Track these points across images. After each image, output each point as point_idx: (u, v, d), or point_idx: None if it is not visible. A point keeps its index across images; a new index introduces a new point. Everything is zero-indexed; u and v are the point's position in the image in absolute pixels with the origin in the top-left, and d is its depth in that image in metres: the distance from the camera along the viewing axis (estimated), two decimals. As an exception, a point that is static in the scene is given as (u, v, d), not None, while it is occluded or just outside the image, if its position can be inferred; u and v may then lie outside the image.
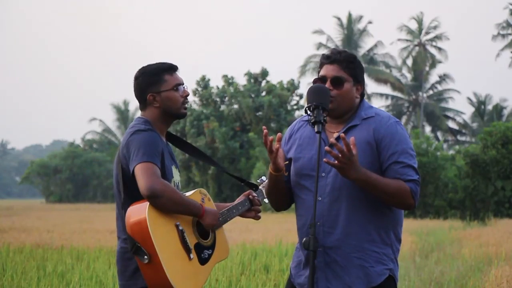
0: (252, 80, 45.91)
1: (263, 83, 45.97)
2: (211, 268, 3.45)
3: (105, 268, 8.50)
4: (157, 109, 3.49)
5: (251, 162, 41.29)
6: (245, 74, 46.27)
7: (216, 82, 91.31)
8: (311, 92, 3.16)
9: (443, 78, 51.53)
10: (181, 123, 43.56)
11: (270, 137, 3.20)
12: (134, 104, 65.07)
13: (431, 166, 29.03)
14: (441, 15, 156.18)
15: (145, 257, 3.16)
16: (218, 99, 45.51)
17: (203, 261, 3.40)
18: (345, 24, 50.41)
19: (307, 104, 3.16)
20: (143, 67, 3.54)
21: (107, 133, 66.14)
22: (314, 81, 3.31)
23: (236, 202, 3.71)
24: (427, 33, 49.97)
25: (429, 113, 50.95)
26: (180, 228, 3.30)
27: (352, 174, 3.09)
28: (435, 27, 49.93)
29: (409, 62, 50.81)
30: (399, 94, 51.82)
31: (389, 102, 52.08)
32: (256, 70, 55.67)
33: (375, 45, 50.10)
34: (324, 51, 46.67)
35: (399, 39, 50.22)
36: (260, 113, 43.97)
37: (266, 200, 3.84)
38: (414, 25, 50.49)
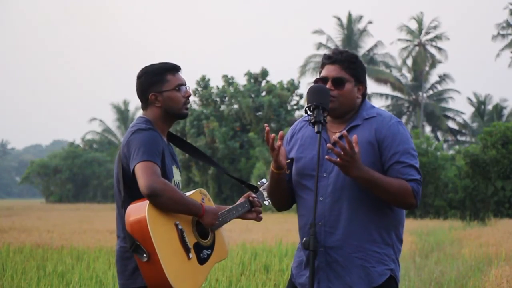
0: (252, 80, 45.91)
1: (263, 83, 45.98)
2: (210, 268, 3.46)
3: (105, 268, 8.50)
4: (159, 108, 3.50)
5: (251, 162, 41.30)
6: (245, 74, 46.27)
7: (216, 82, 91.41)
8: (311, 92, 3.16)
9: (443, 78, 51.53)
10: (181, 123, 43.55)
11: (272, 135, 3.20)
12: (134, 104, 65.15)
13: (431, 166, 29.03)
14: (441, 15, 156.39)
15: (144, 255, 3.17)
16: (218, 99, 45.51)
17: (202, 261, 3.40)
18: (345, 24, 50.41)
19: (307, 104, 3.16)
20: (146, 67, 3.55)
21: (107, 133, 66.13)
22: (315, 81, 3.31)
23: (236, 204, 3.72)
24: (427, 33, 49.97)
25: (429, 113, 50.95)
26: (180, 227, 3.30)
27: (354, 172, 3.09)
28: (435, 27, 49.94)
29: (409, 62, 50.82)
30: (399, 94, 51.82)
31: (389, 102, 52.09)
32: (256, 70, 55.73)
33: (375, 45, 50.11)
34: (324, 51, 46.80)
35: (399, 39, 50.24)
36: (260, 113, 43.97)
37: (266, 202, 3.84)
38: (414, 25, 50.52)
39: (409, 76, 51.91)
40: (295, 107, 45.25)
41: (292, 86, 45.28)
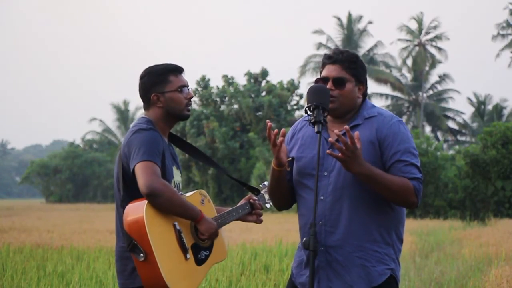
0: (252, 80, 45.91)
1: (263, 83, 45.97)
2: (207, 269, 3.46)
3: (105, 268, 8.50)
4: (160, 109, 3.50)
5: (251, 162, 41.29)
6: (245, 74, 46.27)
7: (216, 82, 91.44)
8: (311, 92, 3.16)
9: (443, 78, 51.52)
10: (181, 123, 43.52)
11: (275, 130, 3.20)
12: (134, 104, 65.14)
13: (431, 166, 29.03)
14: (441, 15, 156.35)
15: (141, 255, 3.17)
16: (218, 99, 45.51)
17: (199, 261, 3.40)
18: (345, 24, 50.40)
19: (307, 104, 3.16)
20: (149, 67, 3.55)
21: (107, 133, 66.11)
22: (316, 81, 3.31)
23: (236, 206, 3.71)
24: (427, 33, 49.96)
25: (429, 113, 50.95)
26: (178, 228, 3.30)
27: (355, 168, 3.09)
28: (435, 27, 49.93)
29: (409, 62, 50.80)
30: (399, 94, 51.81)
31: (389, 102, 52.08)
32: (256, 70, 55.71)
33: (375, 45, 50.09)
34: (324, 51, 46.80)
35: (399, 39, 50.22)
36: (260, 113, 43.97)
37: (267, 205, 3.84)
38: (414, 25, 50.50)
39: (409, 76, 51.91)
40: (295, 107, 45.24)
41: (292, 86, 45.27)
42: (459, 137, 53.56)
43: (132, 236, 3.20)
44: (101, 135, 66.86)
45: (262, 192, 3.86)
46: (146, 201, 3.22)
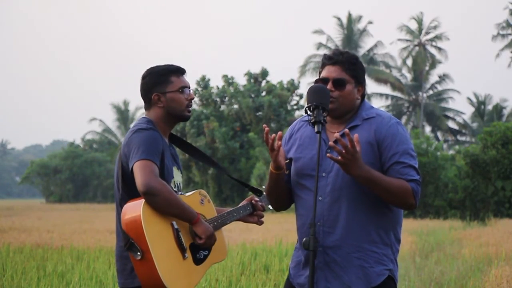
0: (252, 80, 45.89)
1: (263, 83, 45.95)
2: (206, 269, 3.46)
3: (105, 268, 8.50)
4: (161, 109, 3.51)
5: (251, 162, 41.28)
6: (245, 74, 46.25)
7: (216, 82, 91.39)
8: (311, 92, 3.16)
9: (443, 78, 51.51)
10: (181, 123, 43.52)
11: (272, 135, 3.20)
12: (134, 104, 65.18)
13: (431, 166, 29.02)
14: (441, 15, 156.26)
15: (138, 253, 3.18)
16: (218, 99, 45.49)
17: (198, 261, 3.40)
18: (345, 24, 50.39)
19: (307, 104, 3.17)
20: (151, 67, 3.57)
21: (107, 133, 66.09)
22: (316, 82, 3.31)
23: (238, 206, 3.71)
24: (427, 33, 49.96)
25: (429, 113, 50.95)
26: (176, 227, 3.31)
27: (355, 171, 3.10)
28: (435, 27, 49.92)
29: (409, 62, 50.79)
30: (399, 94, 51.80)
31: (389, 102, 52.08)
32: (256, 70, 55.68)
33: (375, 45, 50.08)
34: (324, 51, 46.81)
35: (399, 39, 50.21)
36: (260, 113, 43.95)
37: (270, 206, 3.84)
38: (414, 25, 50.49)
39: (409, 76, 51.90)
40: (295, 107, 45.22)
41: (292, 86, 45.25)
42: (459, 137, 53.55)
43: (129, 235, 3.21)
44: (101, 135, 66.84)
45: (264, 193, 3.86)
46: (143, 200, 3.23)
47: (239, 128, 44.19)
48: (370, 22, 50.24)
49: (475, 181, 28.01)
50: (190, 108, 3.57)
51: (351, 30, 50.03)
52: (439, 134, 52.51)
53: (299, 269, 3.34)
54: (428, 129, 52.11)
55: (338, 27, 50.40)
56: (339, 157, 3.08)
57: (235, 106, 44.94)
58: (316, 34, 49.89)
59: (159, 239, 3.23)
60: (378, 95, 51.48)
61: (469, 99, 54.46)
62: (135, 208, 3.23)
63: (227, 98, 45.46)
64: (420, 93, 51.17)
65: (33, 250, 11.13)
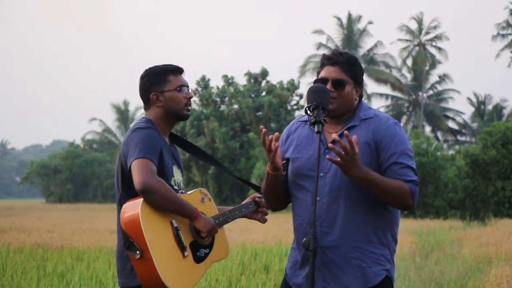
0: (252, 80, 45.89)
1: (263, 83, 45.95)
2: (207, 267, 3.46)
3: (105, 268, 8.50)
4: (160, 108, 3.52)
5: (251, 162, 41.29)
6: (245, 74, 46.24)
7: (216, 82, 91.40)
8: (311, 92, 3.17)
9: (443, 78, 51.51)
10: (181, 123, 43.52)
11: (270, 136, 3.21)
12: (134, 104, 65.16)
13: (431, 166, 29.02)
14: (441, 15, 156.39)
15: (137, 252, 3.19)
16: (218, 99, 45.49)
17: (198, 259, 3.41)
18: (345, 24, 50.39)
19: (307, 104, 3.17)
20: (149, 68, 3.58)
21: (107, 133, 66.09)
22: (315, 82, 3.31)
23: (240, 204, 3.72)
24: (427, 33, 49.95)
25: (429, 113, 50.94)
26: (175, 225, 3.32)
27: (354, 172, 3.10)
28: (435, 27, 49.92)
29: (409, 62, 50.79)
30: (399, 94, 51.80)
31: (389, 102, 52.08)
32: (256, 70, 55.70)
33: (375, 45, 50.08)
34: (324, 51, 46.79)
35: (399, 39, 50.21)
36: (260, 113, 43.95)
37: None
38: (414, 25, 50.49)
39: (409, 76, 51.89)
40: (295, 107, 45.22)
41: (292, 86, 45.25)
42: (459, 137, 53.54)
43: (128, 234, 3.22)
44: (101, 135, 66.84)
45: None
46: (142, 199, 3.24)
47: (239, 128, 44.18)
48: (370, 22, 50.24)
49: (475, 181, 28.01)
50: (189, 107, 3.58)
51: (351, 30, 50.03)
52: (439, 134, 52.50)
53: (296, 269, 3.35)
54: (428, 129, 52.11)
55: (338, 27, 50.41)
56: (338, 158, 3.08)
57: (235, 106, 44.93)
58: (316, 34, 49.92)
59: (158, 238, 3.24)
60: (378, 95, 51.48)
61: (469, 99, 54.47)
62: (134, 207, 3.24)
63: (227, 98, 45.46)
64: (420, 93, 51.17)
65: (33, 250, 11.13)
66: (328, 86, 3.26)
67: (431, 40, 49.72)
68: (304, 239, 3.08)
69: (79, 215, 30.29)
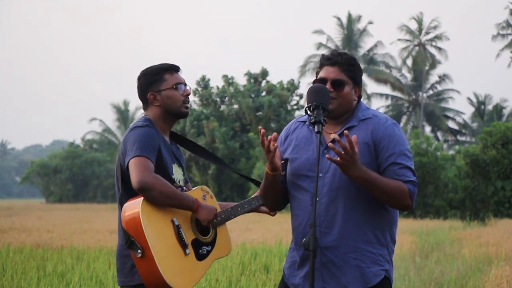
0: (252, 80, 45.89)
1: (263, 83, 45.95)
2: (209, 264, 3.47)
3: (105, 268, 8.50)
4: (158, 108, 3.54)
5: (251, 162, 41.29)
6: (245, 74, 46.25)
7: (216, 82, 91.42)
8: (311, 92, 3.17)
9: (443, 78, 51.51)
10: (181, 123, 43.52)
11: (269, 137, 3.21)
12: (134, 104, 65.17)
13: (431, 166, 29.00)
14: (441, 15, 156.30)
15: (139, 251, 3.21)
16: (218, 99, 45.49)
17: (200, 257, 3.42)
18: (345, 24, 50.39)
19: (307, 104, 3.17)
20: (145, 68, 3.61)
21: (107, 133, 66.10)
22: (314, 82, 3.31)
23: (244, 200, 3.73)
24: (427, 33, 49.95)
25: (429, 113, 50.94)
26: (176, 223, 3.33)
27: (353, 172, 3.10)
28: (435, 27, 49.92)
29: (409, 62, 50.80)
30: (399, 94, 51.80)
31: (389, 102, 52.08)
32: (256, 70, 55.70)
33: (375, 45, 50.08)
34: (324, 51, 46.78)
35: (399, 39, 50.21)
36: (260, 113, 43.95)
37: None
38: (414, 25, 50.49)
39: (409, 76, 51.90)
40: (295, 107, 45.22)
41: (292, 86, 45.25)
42: (459, 137, 53.54)
43: (129, 233, 3.24)
44: (101, 135, 66.84)
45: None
46: (142, 198, 3.26)
47: (239, 128, 44.19)
48: (370, 22, 50.25)
49: (475, 181, 28.00)
50: (187, 104, 3.58)
51: (351, 30, 50.03)
52: (439, 134, 52.50)
53: (294, 270, 3.35)
54: (428, 129, 52.12)
55: (338, 27, 50.41)
56: (337, 158, 3.08)
57: (235, 106, 44.94)
58: (316, 34, 49.93)
59: (159, 236, 3.25)
60: (378, 95, 51.48)
61: (469, 99, 54.47)
62: (134, 206, 3.26)
63: (227, 98, 45.46)
64: (420, 93, 51.17)
65: (33, 250, 11.13)
66: (327, 86, 3.27)
67: (431, 40, 49.72)
68: (304, 239, 3.08)
69: (79, 215, 30.28)
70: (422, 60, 49.17)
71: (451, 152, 41.15)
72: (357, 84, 3.34)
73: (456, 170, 29.51)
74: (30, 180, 67.74)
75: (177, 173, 3.56)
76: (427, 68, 50.07)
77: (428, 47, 49.77)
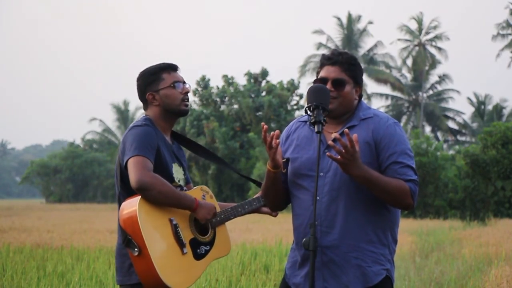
0: (252, 80, 45.89)
1: (263, 83, 45.95)
2: (207, 264, 3.47)
3: (105, 268, 8.50)
4: (158, 107, 3.55)
5: (251, 162, 41.29)
6: (245, 74, 46.25)
7: (216, 82, 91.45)
8: (311, 92, 3.17)
9: (443, 78, 51.51)
10: (181, 123, 43.55)
11: (271, 133, 3.21)
12: (134, 104, 65.18)
13: (431, 166, 29.01)
14: (441, 15, 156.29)
15: (136, 249, 3.21)
16: (218, 99, 45.49)
17: (198, 256, 3.42)
18: (345, 24, 50.39)
19: (307, 104, 3.17)
20: (144, 69, 3.62)
21: (107, 133, 66.09)
22: (315, 82, 3.31)
23: (245, 201, 3.73)
24: (427, 33, 49.95)
25: (429, 113, 50.94)
26: (174, 222, 3.33)
27: (354, 171, 3.10)
28: (435, 27, 49.91)
29: (409, 62, 50.79)
30: (399, 94, 51.80)
31: (389, 102, 52.08)
32: (256, 70, 55.70)
33: (375, 45, 50.08)
34: (324, 51, 46.74)
35: (399, 39, 50.21)
36: (260, 113, 43.95)
37: None
38: (414, 25, 50.49)
39: (409, 76, 51.90)
40: (295, 107, 45.22)
41: (292, 86, 45.25)
42: (459, 137, 53.55)
43: (126, 231, 3.25)
44: (101, 135, 66.84)
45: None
46: (140, 196, 3.26)
47: (239, 128, 44.19)
48: (370, 22, 50.24)
49: (475, 181, 28.00)
50: (187, 102, 3.58)
51: (351, 30, 50.03)
52: (439, 134, 52.50)
53: (295, 269, 3.35)
54: (428, 129, 52.12)
55: (338, 27, 50.41)
56: (338, 157, 3.08)
57: (235, 106, 44.94)
58: (316, 34, 49.93)
59: (156, 235, 3.26)
60: (378, 95, 51.49)
61: (469, 99, 54.48)
62: (132, 205, 3.27)
63: (227, 98, 45.46)
64: (420, 93, 51.17)
65: (33, 250, 11.13)
66: (328, 85, 3.27)
67: (431, 40, 49.72)
68: (304, 239, 3.07)
69: (79, 215, 30.27)
70: (422, 60, 49.16)
71: (451, 152, 41.17)
72: (358, 83, 3.34)
73: (456, 170, 29.52)
74: (30, 180, 67.75)
75: (177, 173, 3.56)
76: (427, 68, 50.07)
77: (428, 47, 49.77)
